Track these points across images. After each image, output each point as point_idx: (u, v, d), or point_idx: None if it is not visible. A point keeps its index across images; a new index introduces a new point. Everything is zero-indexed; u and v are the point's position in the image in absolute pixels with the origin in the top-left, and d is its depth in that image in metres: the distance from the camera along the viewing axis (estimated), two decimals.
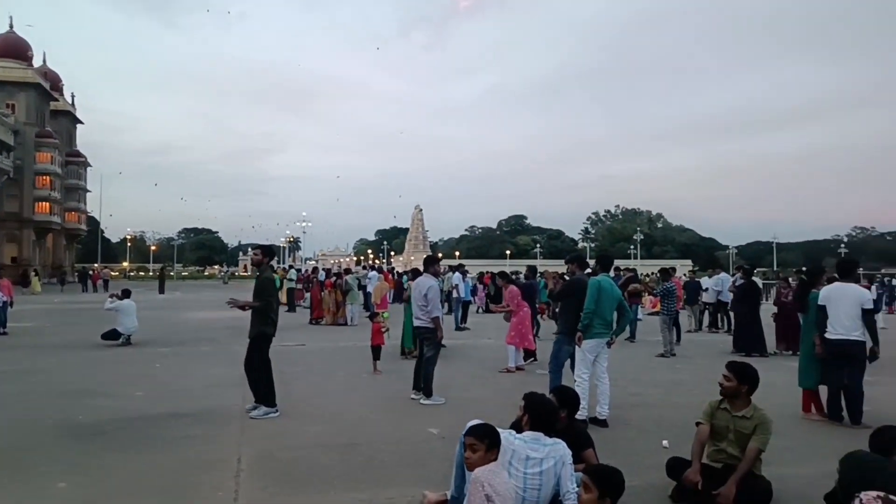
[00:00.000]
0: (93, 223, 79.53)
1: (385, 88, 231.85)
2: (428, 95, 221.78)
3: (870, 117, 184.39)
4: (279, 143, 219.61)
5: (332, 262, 78.13)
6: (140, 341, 13.25)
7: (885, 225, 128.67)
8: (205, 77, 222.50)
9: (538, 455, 3.72)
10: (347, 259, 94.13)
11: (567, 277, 9.65)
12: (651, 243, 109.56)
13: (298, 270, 31.77)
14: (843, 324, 6.52)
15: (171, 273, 50.10)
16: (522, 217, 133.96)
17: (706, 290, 17.27)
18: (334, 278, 18.92)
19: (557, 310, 9.41)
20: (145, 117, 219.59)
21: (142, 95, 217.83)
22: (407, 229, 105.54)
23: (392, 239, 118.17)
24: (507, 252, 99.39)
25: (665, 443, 5.76)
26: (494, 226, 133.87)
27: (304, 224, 79.35)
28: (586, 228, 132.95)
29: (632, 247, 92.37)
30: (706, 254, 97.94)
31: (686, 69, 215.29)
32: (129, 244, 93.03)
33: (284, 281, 22.33)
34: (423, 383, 7.74)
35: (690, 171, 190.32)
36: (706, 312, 17.54)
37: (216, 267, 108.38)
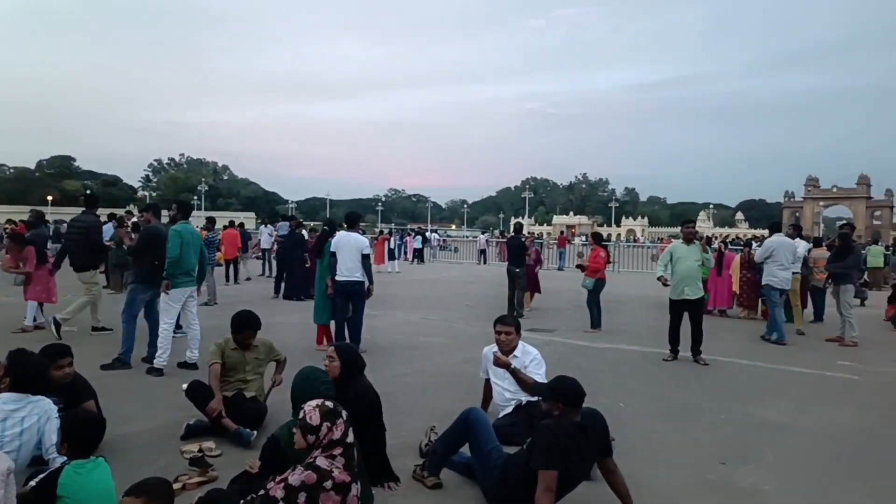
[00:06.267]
0: None
1: None
2: None
3: (404, 95, 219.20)
4: None
5: None
6: None
7: (411, 188, 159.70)
8: None
9: (20, 414, 3.63)
10: None
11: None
12: (216, 195, 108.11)
13: None
14: (347, 267, 7.75)
15: None
16: (70, 158, 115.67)
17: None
18: None
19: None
20: None
21: None
22: None
23: None
24: (50, 198, 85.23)
25: (185, 386, 6.03)
26: (33, 166, 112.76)
27: None
28: (147, 176, 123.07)
29: (196, 198, 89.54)
30: (269, 207, 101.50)
31: (260, 29, 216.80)
32: None
33: None
34: None
35: (258, 128, 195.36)
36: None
37: None
